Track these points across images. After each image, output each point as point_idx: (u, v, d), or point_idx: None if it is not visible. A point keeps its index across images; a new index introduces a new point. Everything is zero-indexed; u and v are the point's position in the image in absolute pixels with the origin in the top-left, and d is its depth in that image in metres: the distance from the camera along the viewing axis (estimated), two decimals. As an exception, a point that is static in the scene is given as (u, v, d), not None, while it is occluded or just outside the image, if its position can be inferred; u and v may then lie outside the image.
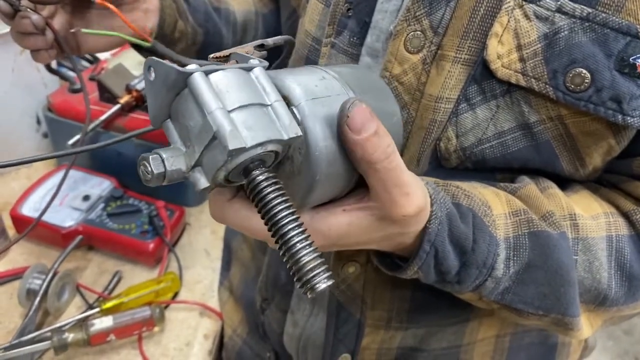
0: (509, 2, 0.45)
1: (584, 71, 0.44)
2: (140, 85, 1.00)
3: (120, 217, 0.95)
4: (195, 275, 0.94)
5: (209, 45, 0.74)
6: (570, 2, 0.44)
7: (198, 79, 0.33)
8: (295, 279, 0.33)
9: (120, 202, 0.98)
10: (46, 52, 0.63)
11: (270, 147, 0.34)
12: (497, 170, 0.52)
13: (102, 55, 1.19)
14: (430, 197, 0.44)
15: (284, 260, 0.34)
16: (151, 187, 1.06)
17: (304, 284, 0.32)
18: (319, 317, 0.65)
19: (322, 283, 0.32)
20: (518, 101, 0.48)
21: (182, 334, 0.84)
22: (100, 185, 1.01)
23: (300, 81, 0.38)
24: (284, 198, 0.34)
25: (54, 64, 1.06)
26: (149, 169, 0.32)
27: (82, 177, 1.03)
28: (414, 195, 0.40)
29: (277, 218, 0.33)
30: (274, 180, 0.34)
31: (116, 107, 0.99)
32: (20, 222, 0.94)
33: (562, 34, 0.44)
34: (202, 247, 1.00)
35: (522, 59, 0.46)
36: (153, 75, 0.33)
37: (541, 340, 0.65)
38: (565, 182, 0.54)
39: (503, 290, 0.48)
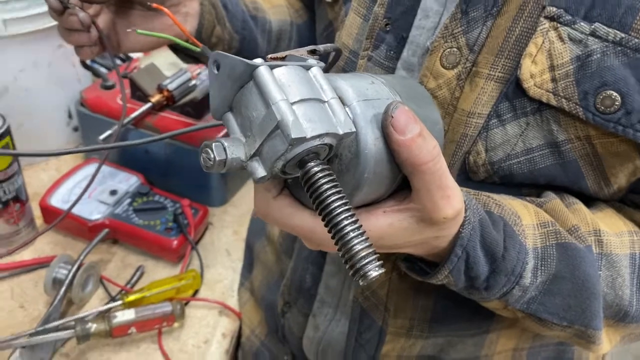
0: (544, 24, 0.46)
1: (615, 94, 0.45)
2: (172, 86, 1.02)
3: (146, 213, 0.97)
4: (216, 274, 0.96)
5: (243, 51, 0.76)
6: (603, 27, 0.45)
7: (264, 71, 0.35)
8: (347, 267, 0.34)
9: (147, 199, 1.00)
10: (89, 49, 0.66)
11: (327, 140, 0.35)
12: (524, 185, 0.54)
13: (135, 54, 1.22)
14: (465, 202, 0.45)
15: (337, 248, 0.35)
16: (176, 186, 1.08)
17: (357, 272, 0.33)
18: (341, 322, 0.67)
19: (374, 271, 0.33)
20: (548, 120, 0.49)
21: (201, 331, 0.86)
22: (128, 181, 1.04)
23: (352, 84, 0.39)
24: (337, 189, 0.35)
25: (88, 60, 1.09)
26: (212, 155, 0.34)
27: (110, 172, 1.05)
28: (454, 198, 0.41)
29: (331, 207, 0.34)
30: (328, 172, 0.35)
31: (147, 106, 1.01)
32: (48, 212, 0.97)
33: (595, 56, 0.46)
34: (224, 247, 1.02)
35: (554, 79, 0.47)
36: (218, 67, 0.36)
37: (557, 355, 0.66)
38: (589, 200, 0.55)
39: (529, 300, 0.49)
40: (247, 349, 0.86)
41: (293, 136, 0.33)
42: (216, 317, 0.88)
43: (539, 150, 0.50)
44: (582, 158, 0.50)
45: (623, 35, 0.45)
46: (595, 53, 0.46)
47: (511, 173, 0.52)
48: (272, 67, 0.36)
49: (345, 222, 0.34)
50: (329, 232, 0.35)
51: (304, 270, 0.70)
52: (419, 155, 0.38)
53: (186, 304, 0.89)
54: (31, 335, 0.76)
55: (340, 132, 0.36)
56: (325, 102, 0.37)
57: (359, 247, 0.34)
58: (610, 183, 0.52)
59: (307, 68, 0.38)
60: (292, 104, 0.34)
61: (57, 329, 0.78)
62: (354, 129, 0.37)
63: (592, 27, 0.45)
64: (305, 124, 0.34)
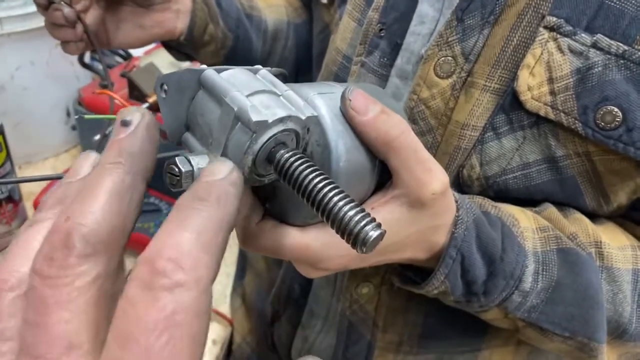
0: (543, 34, 0.44)
1: (616, 109, 0.43)
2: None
3: (140, 215, 0.95)
4: (209, 278, 0.95)
5: (237, 50, 0.74)
6: (606, 38, 0.43)
7: (210, 72, 0.34)
8: (345, 238, 0.32)
9: (141, 200, 0.99)
10: (75, 45, 0.64)
11: (291, 125, 0.33)
12: (519, 201, 0.52)
13: (135, 53, 1.20)
14: (456, 202, 0.43)
15: (331, 225, 0.32)
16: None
17: (356, 239, 0.31)
18: (329, 335, 0.65)
19: (374, 231, 0.31)
20: (545, 134, 0.47)
21: (192, 337, 0.84)
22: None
23: (302, 84, 0.39)
24: (314, 167, 0.33)
25: (87, 59, 1.07)
26: (176, 170, 0.32)
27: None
28: (437, 170, 0.39)
29: (313, 183, 0.32)
30: (300, 154, 0.33)
31: (144, 106, 1.00)
32: (43, 212, 0.96)
33: (596, 69, 0.44)
34: (218, 251, 1.00)
35: (552, 92, 0.45)
36: (166, 89, 0.34)
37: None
38: (588, 216, 0.53)
39: (530, 308, 0.47)
40: (238, 356, 0.85)
41: (254, 120, 0.31)
42: (207, 323, 0.87)
43: (535, 165, 0.48)
44: (581, 175, 0.48)
45: (626, 48, 0.43)
46: (597, 66, 0.44)
47: (506, 188, 0.50)
48: (218, 71, 0.35)
49: (331, 194, 0.32)
50: (317, 209, 0.32)
51: (293, 279, 0.68)
52: (387, 131, 0.36)
53: (177, 309, 0.87)
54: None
55: (303, 116, 0.34)
56: (279, 95, 0.35)
57: (351, 212, 0.31)
58: (610, 201, 0.50)
59: (255, 71, 0.37)
60: (246, 96, 0.33)
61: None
62: (315, 113, 0.35)
63: (594, 38, 0.43)
64: (264, 111, 0.32)
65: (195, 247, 0.22)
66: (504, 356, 0.61)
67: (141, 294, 0.20)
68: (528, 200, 0.51)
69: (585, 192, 0.50)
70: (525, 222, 0.48)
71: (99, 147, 0.78)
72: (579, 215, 0.51)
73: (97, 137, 0.89)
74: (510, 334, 0.58)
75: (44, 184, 0.99)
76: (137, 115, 0.25)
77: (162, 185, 0.98)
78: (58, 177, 0.74)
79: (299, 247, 0.39)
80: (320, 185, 0.32)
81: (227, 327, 0.88)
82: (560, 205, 0.52)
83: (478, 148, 0.49)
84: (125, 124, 0.25)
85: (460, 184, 0.51)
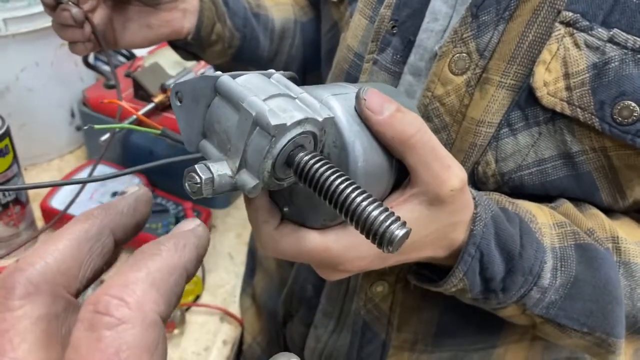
0: (559, 29, 0.44)
1: (633, 104, 0.43)
2: (175, 86, 1.00)
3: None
4: (218, 279, 0.94)
5: (245, 49, 0.74)
6: (622, 33, 0.43)
7: (226, 79, 0.34)
8: (370, 238, 0.31)
9: (148, 201, 0.98)
10: (83, 45, 0.64)
11: (308, 127, 0.34)
12: (534, 197, 0.52)
13: (138, 52, 1.20)
14: (474, 199, 0.43)
15: (355, 225, 0.32)
16: (179, 188, 1.06)
17: (382, 239, 0.31)
18: (343, 335, 0.65)
19: (399, 230, 0.30)
20: (561, 130, 0.47)
21: (202, 338, 0.84)
22: (130, 183, 1.02)
23: (316, 86, 0.39)
24: (335, 169, 0.33)
25: (91, 59, 1.07)
26: (196, 177, 0.32)
27: (112, 173, 1.04)
28: (455, 167, 0.39)
29: (335, 184, 0.32)
30: (320, 157, 0.33)
31: (150, 106, 0.99)
32: (49, 214, 0.95)
33: (613, 64, 0.43)
34: (227, 251, 1.00)
35: (568, 88, 0.45)
36: (181, 97, 0.34)
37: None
38: (604, 211, 0.53)
39: (549, 304, 0.47)
40: (249, 356, 0.85)
41: (273, 124, 0.31)
42: (217, 324, 0.87)
43: (551, 161, 0.48)
44: (597, 170, 0.48)
45: None
46: (613, 61, 0.43)
47: (522, 184, 0.50)
48: (233, 77, 0.35)
49: (354, 194, 0.32)
50: (340, 210, 0.32)
51: (305, 279, 0.68)
52: (403, 129, 0.37)
53: (187, 309, 0.87)
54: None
55: (320, 118, 0.34)
56: (295, 98, 0.35)
57: (375, 212, 0.31)
58: (626, 196, 0.50)
59: (269, 75, 0.37)
60: (263, 100, 0.33)
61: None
62: (331, 114, 0.35)
63: (611, 33, 0.43)
64: (282, 114, 0.32)
65: (143, 283, 0.21)
66: (518, 352, 0.60)
67: (84, 336, 0.20)
68: (543, 196, 0.51)
69: (601, 187, 0.49)
70: (542, 218, 0.48)
71: (106, 149, 0.78)
72: (594, 211, 0.51)
73: (104, 137, 0.89)
74: (525, 331, 0.58)
75: (50, 185, 0.98)
76: (134, 188, 0.28)
77: (169, 186, 0.97)
78: (64, 184, 0.73)
79: (319, 249, 0.39)
80: (343, 186, 0.32)
81: (238, 327, 0.87)
82: (576, 200, 0.51)
83: (493, 144, 0.48)
84: (122, 194, 0.28)
85: (475, 181, 0.50)
